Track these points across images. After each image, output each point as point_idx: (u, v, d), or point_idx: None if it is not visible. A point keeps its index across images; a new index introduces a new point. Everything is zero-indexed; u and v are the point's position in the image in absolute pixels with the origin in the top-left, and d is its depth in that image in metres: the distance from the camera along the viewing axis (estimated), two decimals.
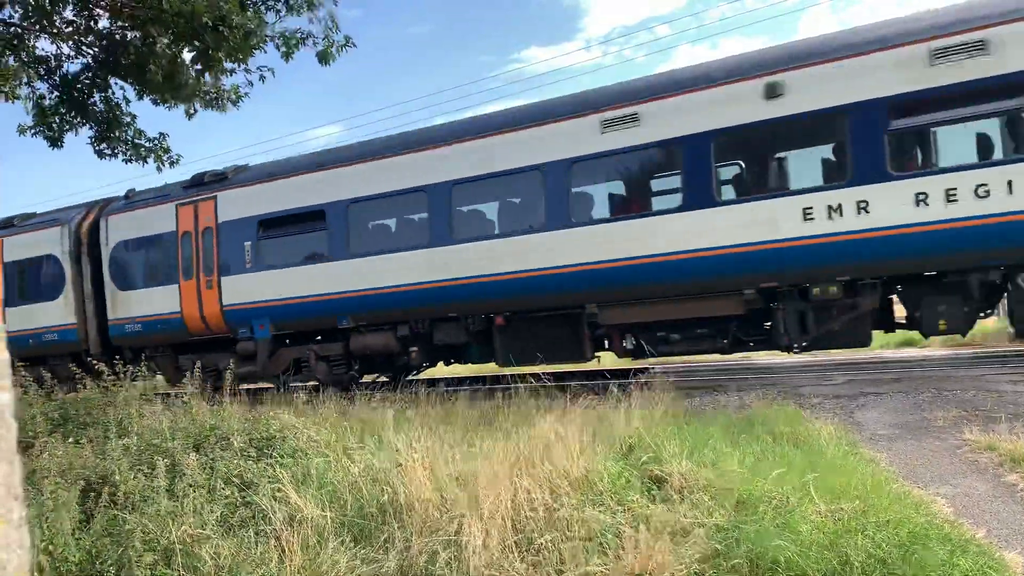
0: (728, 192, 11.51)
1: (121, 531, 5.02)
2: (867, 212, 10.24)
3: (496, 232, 12.89)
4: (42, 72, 8.26)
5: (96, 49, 8.53)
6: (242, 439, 7.48)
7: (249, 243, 14.95)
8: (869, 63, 10.25)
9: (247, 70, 8.99)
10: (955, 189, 9.78)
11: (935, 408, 9.01)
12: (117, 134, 7.36)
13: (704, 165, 11.20)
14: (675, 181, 11.58)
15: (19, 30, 8.39)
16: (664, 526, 5.21)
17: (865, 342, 11.54)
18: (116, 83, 8.66)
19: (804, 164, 11.17)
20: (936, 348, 16.22)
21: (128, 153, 7.49)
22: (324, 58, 9.05)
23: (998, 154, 9.98)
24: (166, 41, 7.84)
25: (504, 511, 5.57)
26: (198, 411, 8.45)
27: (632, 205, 12.11)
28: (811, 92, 10.58)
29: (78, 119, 7.07)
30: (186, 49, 8.10)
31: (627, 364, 14.03)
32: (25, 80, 8.32)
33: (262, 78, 9.14)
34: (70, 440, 7.44)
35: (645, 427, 7.39)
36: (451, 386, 12.87)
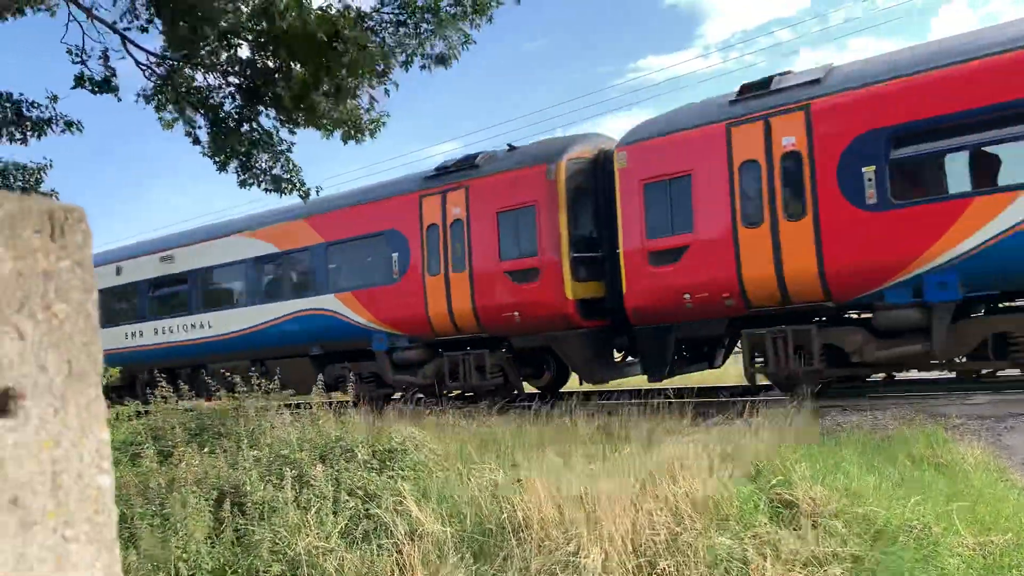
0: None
1: (251, 541, 5.18)
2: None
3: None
4: (195, 103, 8.72)
5: (241, 78, 8.93)
6: (366, 451, 7.62)
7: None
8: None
9: (371, 85, 9.11)
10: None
11: None
12: (259, 165, 7.72)
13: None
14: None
15: (172, 64, 8.92)
16: (795, 555, 4.94)
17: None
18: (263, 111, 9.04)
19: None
20: None
21: (268, 184, 7.83)
22: (443, 61, 9.04)
23: None
24: (297, 66, 8.14)
25: (624, 532, 5.43)
26: (324, 422, 8.68)
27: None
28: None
29: (229, 149, 7.48)
30: (313, 70, 8.36)
31: (745, 382, 13.45)
32: (180, 111, 8.83)
33: (386, 91, 9.26)
34: (205, 450, 7.78)
35: (774, 448, 7.07)
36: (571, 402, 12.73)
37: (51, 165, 7.70)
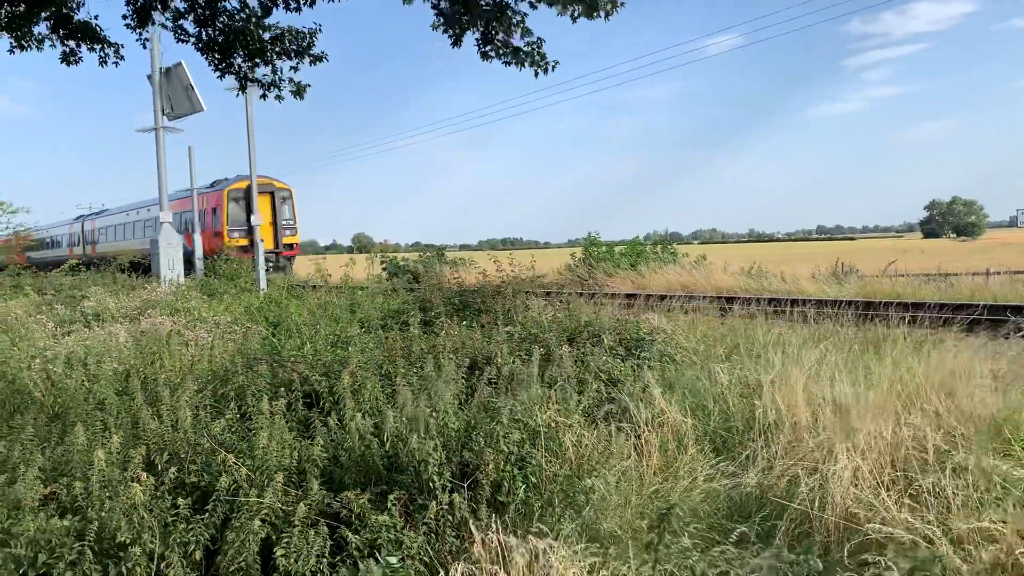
0: None
1: (494, 407, 5.39)
2: None
3: None
4: None
5: None
6: (612, 338, 7.63)
7: None
8: None
9: None
10: None
11: None
12: (501, 37, 7.55)
13: None
14: None
15: None
16: None
17: None
18: None
19: None
20: None
21: (507, 57, 7.68)
22: None
23: None
24: None
25: (883, 445, 4.96)
26: (576, 307, 8.80)
27: None
28: None
29: (467, 19, 7.39)
30: None
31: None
32: None
33: None
34: (464, 323, 8.20)
35: None
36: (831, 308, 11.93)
37: (320, 30, 8.15)
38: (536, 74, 7.64)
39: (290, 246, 30.29)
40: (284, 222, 29.72)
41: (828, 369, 6.69)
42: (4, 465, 4.57)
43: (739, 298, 14.21)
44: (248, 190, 25.29)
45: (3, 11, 7.57)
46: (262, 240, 25.43)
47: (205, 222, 29.92)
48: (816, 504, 4.41)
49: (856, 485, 4.57)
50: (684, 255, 28.00)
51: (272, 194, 29.17)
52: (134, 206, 40.60)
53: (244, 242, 26.87)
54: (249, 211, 25.41)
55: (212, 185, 30.87)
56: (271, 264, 26.83)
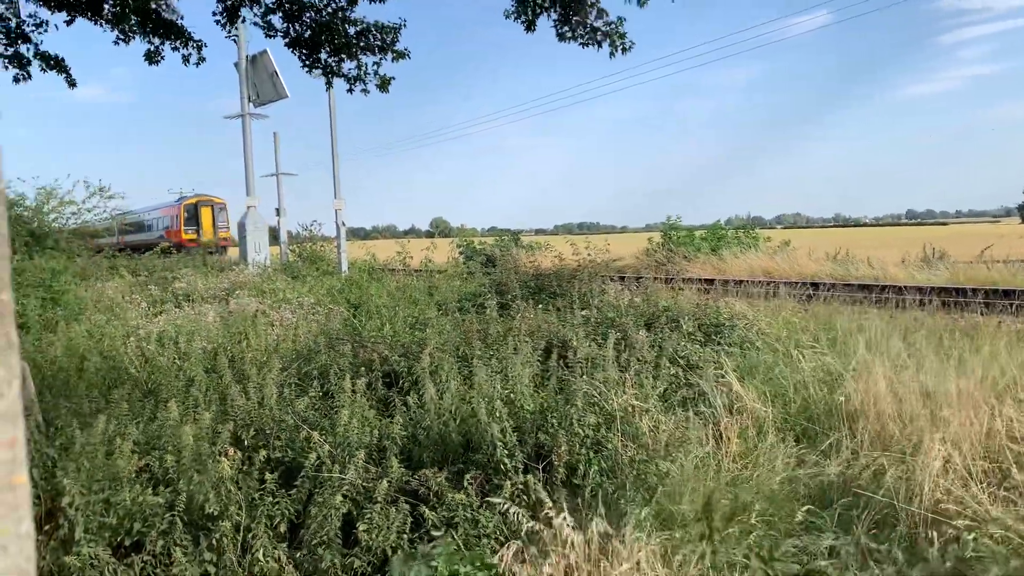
0: None
1: (569, 389, 5.40)
2: None
3: None
4: None
5: None
6: (691, 323, 7.53)
7: None
8: None
9: None
10: None
11: None
12: (577, 18, 7.47)
13: None
14: None
15: None
16: None
17: None
18: None
19: None
20: None
21: (585, 37, 7.59)
22: None
23: None
24: None
25: (975, 436, 4.78)
26: (654, 292, 8.71)
27: None
28: None
29: (545, 3, 7.33)
30: None
31: None
32: None
33: None
34: (539, 307, 8.21)
35: None
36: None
37: (405, 25, 8.21)
38: (612, 54, 7.55)
39: (224, 239, 41.24)
40: (220, 225, 41.79)
41: (915, 357, 6.47)
42: (102, 438, 4.81)
43: (824, 284, 13.84)
44: (196, 206, 40.84)
45: (108, 4, 7.91)
46: (344, 223, 26.00)
47: (171, 223, 42.97)
48: (902, 495, 4.28)
49: (946, 477, 4.42)
50: (767, 239, 27.42)
51: (212, 206, 41.85)
52: None
53: (193, 236, 39.85)
54: (198, 217, 40.96)
55: (178, 200, 43.58)
56: (211, 250, 35.89)
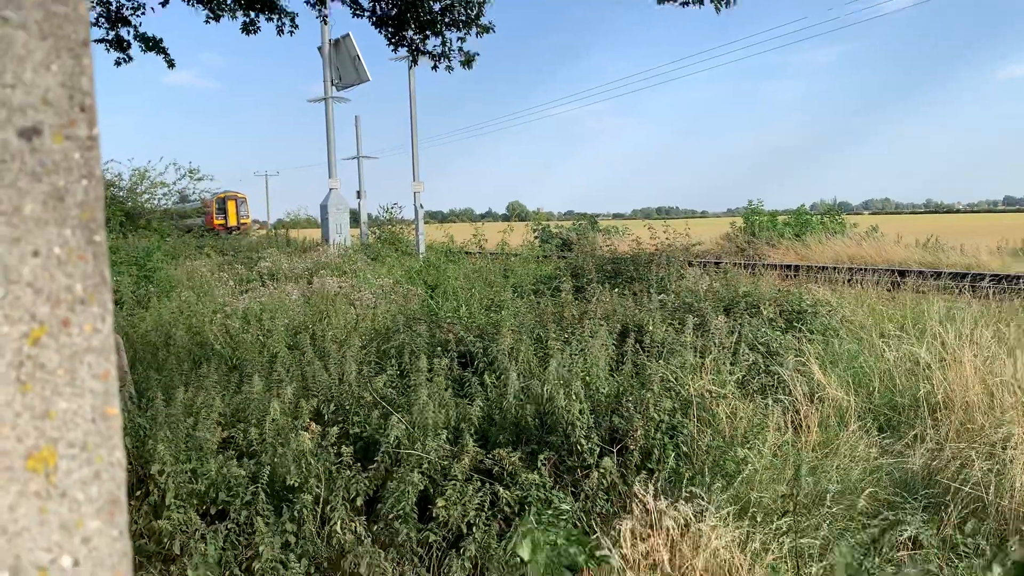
0: None
1: (646, 375, 5.35)
2: None
3: None
4: None
5: None
6: (772, 309, 7.37)
7: None
8: None
9: None
10: None
11: None
12: None
13: None
14: None
15: None
16: None
17: None
18: None
19: None
20: None
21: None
22: None
23: None
24: None
25: None
26: (734, 277, 8.55)
27: None
28: None
29: None
30: None
31: None
32: None
33: None
34: (615, 290, 8.16)
35: None
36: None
37: (492, 3, 8.20)
38: (718, 8, 7.33)
39: (244, 223, 48.20)
40: (241, 213, 48.36)
41: (1008, 349, 6.20)
42: (189, 410, 5.00)
43: (912, 271, 13.36)
44: (224, 199, 46.28)
45: None
46: (422, 206, 26.34)
47: (209, 211, 48.22)
48: (992, 490, 4.12)
49: None
50: (853, 225, 26.59)
51: (235, 200, 48.24)
52: None
53: (222, 222, 46.08)
54: (225, 208, 46.54)
55: (211, 195, 47.87)
56: (233, 230, 43.67)
